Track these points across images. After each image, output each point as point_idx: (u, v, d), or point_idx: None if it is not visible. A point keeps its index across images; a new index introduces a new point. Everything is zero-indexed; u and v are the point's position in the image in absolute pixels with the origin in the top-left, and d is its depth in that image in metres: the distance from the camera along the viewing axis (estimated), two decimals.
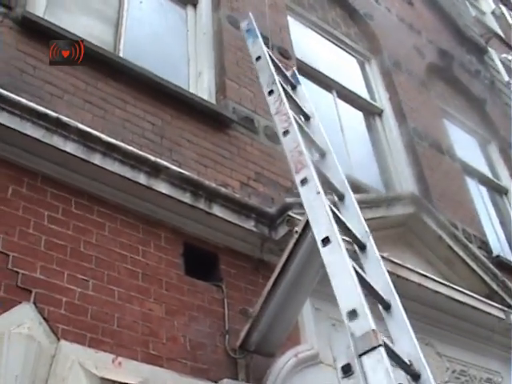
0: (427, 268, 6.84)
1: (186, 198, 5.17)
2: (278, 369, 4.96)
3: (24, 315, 4.04)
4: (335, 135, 8.25)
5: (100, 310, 4.39)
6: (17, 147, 4.62)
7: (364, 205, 6.19)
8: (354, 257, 3.59)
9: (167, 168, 5.14)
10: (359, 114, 9.37)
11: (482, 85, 12.54)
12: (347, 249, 3.40)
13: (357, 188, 6.88)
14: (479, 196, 10.21)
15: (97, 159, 4.85)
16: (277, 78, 4.92)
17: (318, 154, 4.52)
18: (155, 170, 5.06)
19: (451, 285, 6.79)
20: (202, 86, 6.76)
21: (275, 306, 4.73)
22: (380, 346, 2.74)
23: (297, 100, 5.12)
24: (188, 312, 4.85)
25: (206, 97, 6.55)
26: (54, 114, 4.77)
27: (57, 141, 4.72)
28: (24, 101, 4.67)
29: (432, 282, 6.54)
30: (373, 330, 2.81)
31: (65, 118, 4.80)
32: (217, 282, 5.19)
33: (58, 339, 4.09)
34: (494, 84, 12.97)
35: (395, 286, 5.93)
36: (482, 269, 7.56)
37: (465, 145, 10.82)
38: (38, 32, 5.46)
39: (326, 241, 3.42)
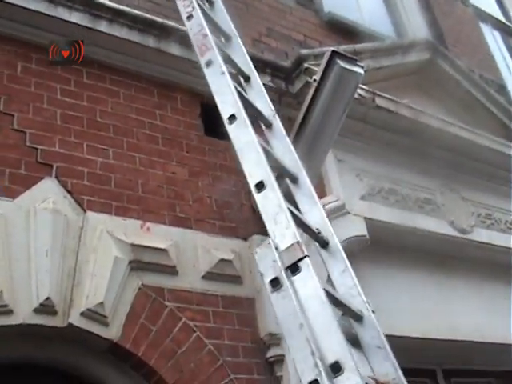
0: (447, 114, 6.76)
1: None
2: None
3: (47, 190, 4.03)
4: None
5: (123, 178, 4.39)
6: (21, 23, 4.49)
7: (379, 53, 6.13)
8: (261, 135, 3.59)
9: (176, 29, 4.98)
10: None
11: None
12: (253, 125, 3.41)
13: (370, 37, 6.76)
14: (494, 41, 10.03)
15: (103, 26, 4.74)
16: None
17: (223, 39, 4.45)
18: (164, 32, 4.94)
19: (472, 129, 6.73)
20: None
21: (299, 156, 4.70)
22: (306, 256, 2.75)
23: None
24: (211, 172, 4.85)
25: None
26: None
27: (61, 12, 4.60)
28: None
29: (453, 126, 6.50)
30: (297, 242, 2.82)
31: None
32: None
33: (84, 211, 4.10)
34: None
35: (415, 132, 5.97)
36: (503, 112, 7.50)
37: None
38: None
39: (232, 118, 3.44)
